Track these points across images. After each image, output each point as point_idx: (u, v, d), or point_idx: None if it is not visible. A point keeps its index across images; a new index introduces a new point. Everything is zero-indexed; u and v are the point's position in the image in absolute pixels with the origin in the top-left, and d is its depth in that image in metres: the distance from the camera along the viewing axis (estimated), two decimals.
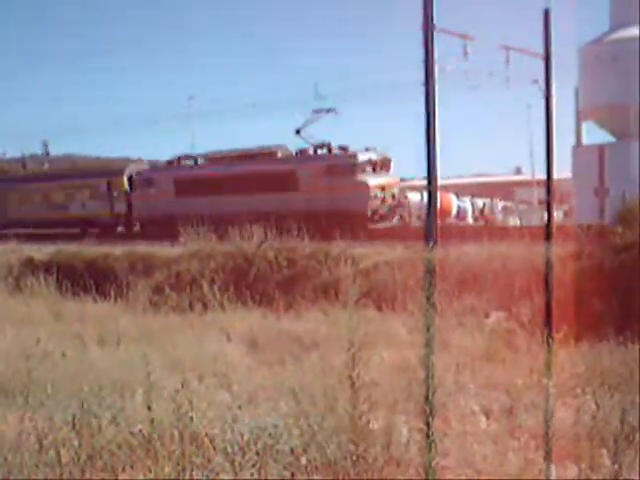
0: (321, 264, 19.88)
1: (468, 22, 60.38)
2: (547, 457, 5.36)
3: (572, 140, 29.96)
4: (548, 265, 16.45)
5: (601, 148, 28.38)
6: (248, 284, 19.77)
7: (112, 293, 19.91)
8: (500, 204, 45.97)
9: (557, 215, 30.17)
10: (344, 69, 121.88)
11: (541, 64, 29.12)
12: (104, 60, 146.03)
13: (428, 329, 5.38)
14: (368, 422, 5.69)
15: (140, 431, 6.28)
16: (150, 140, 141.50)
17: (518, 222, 39.48)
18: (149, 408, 6.24)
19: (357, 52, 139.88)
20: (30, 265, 25.36)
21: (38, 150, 79.23)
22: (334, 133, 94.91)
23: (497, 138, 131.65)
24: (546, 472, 5.18)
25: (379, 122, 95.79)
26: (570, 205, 33.27)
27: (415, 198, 35.59)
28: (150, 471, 5.61)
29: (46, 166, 70.76)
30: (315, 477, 6.07)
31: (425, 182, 24.88)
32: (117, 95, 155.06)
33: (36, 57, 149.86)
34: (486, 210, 43.13)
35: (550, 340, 8.86)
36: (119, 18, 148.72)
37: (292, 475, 6.06)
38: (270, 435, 6.58)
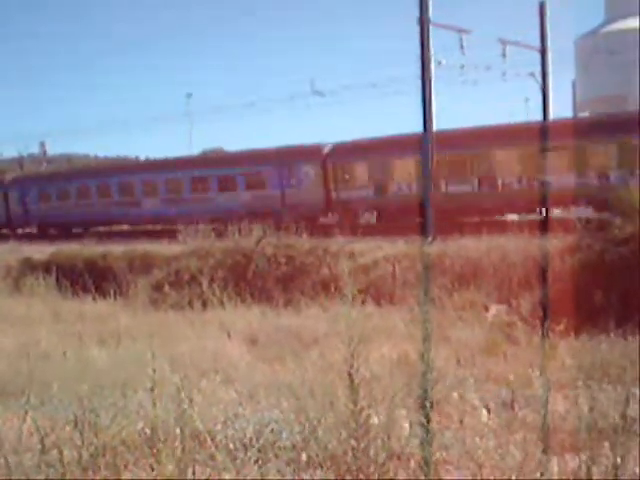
0: (320, 260, 19.88)
1: (465, 16, 60.55)
2: (546, 450, 5.38)
3: None
4: (546, 258, 16.47)
5: None
6: (247, 281, 19.77)
7: (111, 292, 19.92)
8: None
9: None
10: (341, 65, 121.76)
11: (538, 57, 29.16)
12: (102, 60, 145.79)
13: (427, 323, 5.39)
14: (369, 417, 5.70)
15: (142, 429, 6.29)
16: (149, 139, 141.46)
17: None
18: (151, 406, 6.25)
19: (354, 48, 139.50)
20: (29, 265, 25.35)
21: (35, 150, 79.10)
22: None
23: None
24: (545, 464, 5.19)
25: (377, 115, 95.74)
26: None
27: None
28: (153, 469, 5.62)
29: (44, 166, 70.54)
30: (317, 472, 6.09)
31: None
32: (115, 94, 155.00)
33: (32, 57, 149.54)
34: None
35: (548, 333, 8.86)
36: (117, 18, 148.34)
37: (294, 471, 6.07)
38: (272, 431, 6.60)
